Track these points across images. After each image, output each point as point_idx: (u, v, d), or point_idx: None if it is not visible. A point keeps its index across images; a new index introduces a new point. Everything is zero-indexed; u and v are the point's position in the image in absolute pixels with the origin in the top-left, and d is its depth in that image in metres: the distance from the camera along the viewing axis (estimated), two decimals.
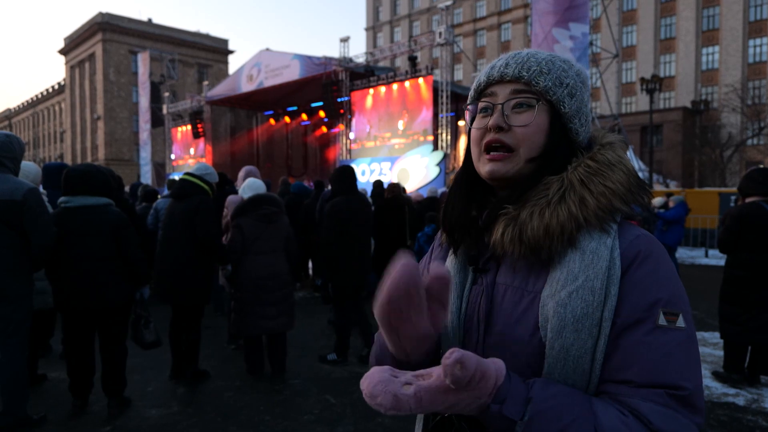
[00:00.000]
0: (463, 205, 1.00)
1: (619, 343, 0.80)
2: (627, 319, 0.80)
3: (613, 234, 0.85)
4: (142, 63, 26.76)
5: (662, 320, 0.79)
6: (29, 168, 4.09)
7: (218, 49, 56.64)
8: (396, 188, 7.06)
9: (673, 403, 0.76)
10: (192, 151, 23.42)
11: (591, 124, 0.98)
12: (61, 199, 3.61)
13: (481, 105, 0.96)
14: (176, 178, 4.44)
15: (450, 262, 1.02)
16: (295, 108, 21.85)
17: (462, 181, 1.03)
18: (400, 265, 0.75)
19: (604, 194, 0.85)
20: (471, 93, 1.00)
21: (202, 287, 4.34)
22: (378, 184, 8.38)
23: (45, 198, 3.73)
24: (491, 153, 0.92)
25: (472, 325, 0.93)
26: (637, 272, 0.82)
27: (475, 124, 0.96)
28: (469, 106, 0.99)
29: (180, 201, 4.34)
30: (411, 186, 14.31)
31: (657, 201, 9.73)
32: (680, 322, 0.80)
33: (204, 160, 21.57)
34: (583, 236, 0.84)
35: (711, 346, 5.49)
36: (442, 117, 14.74)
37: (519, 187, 0.91)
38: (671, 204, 9.40)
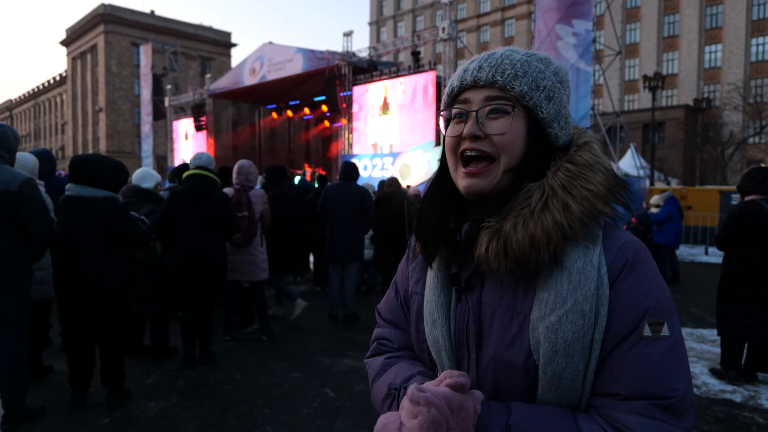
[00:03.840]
0: (439, 215, 0.95)
1: (608, 358, 0.80)
2: (616, 335, 0.80)
3: (599, 247, 0.83)
4: (145, 55, 26.65)
5: (647, 331, 0.79)
6: (26, 159, 4.07)
7: (221, 42, 56.57)
8: (395, 182, 7.09)
9: (658, 413, 0.77)
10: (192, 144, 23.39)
11: (571, 125, 0.94)
12: (66, 186, 3.63)
13: (454, 111, 0.92)
14: (188, 165, 4.60)
15: (430, 278, 0.97)
16: (297, 102, 21.77)
17: (437, 190, 0.98)
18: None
19: (587, 198, 0.83)
20: (444, 98, 0.96)
21: (223, 276, 4.77)
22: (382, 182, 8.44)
23: (42, 188, 3.74)
24: (469, 166, 0.89)
25: (463, 347, 0.91)
26: (623, 284, 0.82)
27: (449, 131, 0.92)
28: (443, 112, 0.95)
29: (198, 197, 4.47)
30: (412, 181, 14.29)
31: (654, 199, 9.71)
32: (665, 331, 0.80)
33: None
34: (569, 252, 0.82)
35: (709, 343, 5.50)
36: None
37: (498, 198, 0.87)
38: (660, 203, 9.38)
